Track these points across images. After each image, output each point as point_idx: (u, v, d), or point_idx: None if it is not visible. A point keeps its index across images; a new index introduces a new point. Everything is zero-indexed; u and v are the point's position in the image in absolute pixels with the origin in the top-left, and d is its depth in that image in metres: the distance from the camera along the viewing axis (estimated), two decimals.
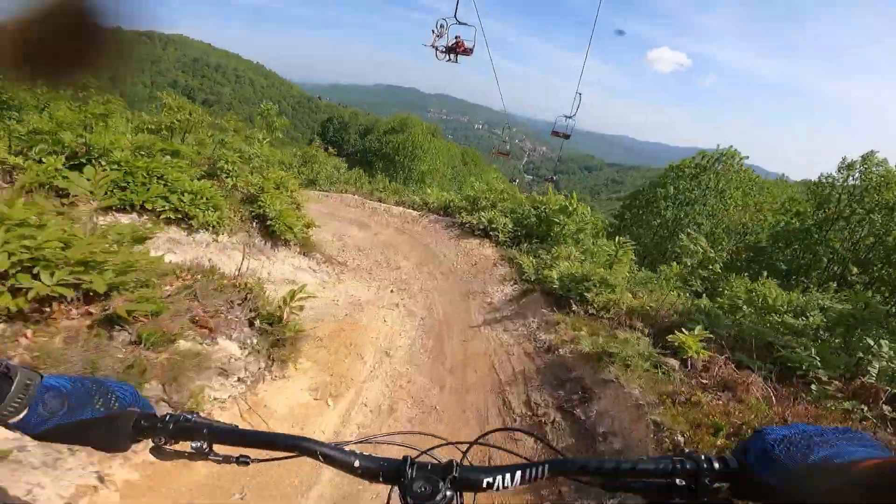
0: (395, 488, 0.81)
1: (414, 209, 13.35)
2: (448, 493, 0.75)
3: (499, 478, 0.76)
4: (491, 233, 11.17)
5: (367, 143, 59.66)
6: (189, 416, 0.85)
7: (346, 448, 0.84)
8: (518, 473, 0.77)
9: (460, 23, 12.73)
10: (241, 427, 0.89)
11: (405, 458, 0.80)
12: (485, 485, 0.76)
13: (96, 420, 0.81)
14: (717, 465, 0.71)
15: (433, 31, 12.87)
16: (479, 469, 0.77)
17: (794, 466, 0.62)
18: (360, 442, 0.94)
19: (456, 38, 13.07)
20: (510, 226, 11.32)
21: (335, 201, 13.57)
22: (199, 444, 0.83)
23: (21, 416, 0.76)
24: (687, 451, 0.73)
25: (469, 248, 10.75)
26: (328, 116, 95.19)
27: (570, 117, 15.97)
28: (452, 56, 13.37)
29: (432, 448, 0.94)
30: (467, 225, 11.62)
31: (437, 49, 13.04)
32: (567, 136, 17.20)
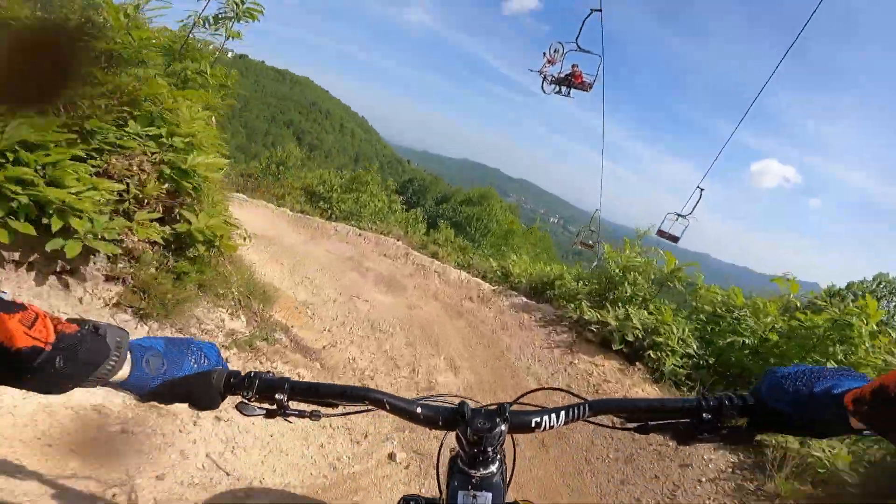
0: (450, 434, 0.90)
1: (485, 280, 8.31)
2: (503, 427, 0.81)
3: (545, 418, 0.84)
4: (646, 352, 5.40)
5: (442, 210, 56.73)
6: (270, 374, 0.88)
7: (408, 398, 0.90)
8: (562, 413, 0.84)
9: (581, 49, 10.78)
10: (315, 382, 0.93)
11: (462, 402, 0.87)
12: (533, 424, 0.83)
13: (193, 377, 0.82)
14: (736, 401, 0.77)
15: (545, 55, 11.10)
16: (527, 412, 0.85)
17: (803, 395, 0.71)
18: (420, 399, 0.96)
19: (573, 67, 11.23)
20: (693, 345, 5.39)
21: (368, 244, 8.86)
22: (281, 397, 0.85)
23: (126, 375, 0.75)
24: (707, 394, 0.80)
25: (597, 378, 5.23)
26: (410, 178, 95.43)
27: (683, 216, 11.36)
28: (564, 88, 11.44)
29: (485, 406, 0.95)
30: (590, 327, 5.89)
31: (546, 77, 11.27)
32: (676, 240, 12.19)
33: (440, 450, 1.14)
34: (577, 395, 0.94)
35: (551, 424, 0.83)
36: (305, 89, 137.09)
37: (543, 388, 1.41)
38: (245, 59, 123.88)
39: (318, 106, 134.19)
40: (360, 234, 9.37)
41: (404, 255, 8.66)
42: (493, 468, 0.85)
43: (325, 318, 5.29)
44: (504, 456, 0.93)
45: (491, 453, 0.82)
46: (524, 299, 7.28)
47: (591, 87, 11.25)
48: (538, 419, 0.83)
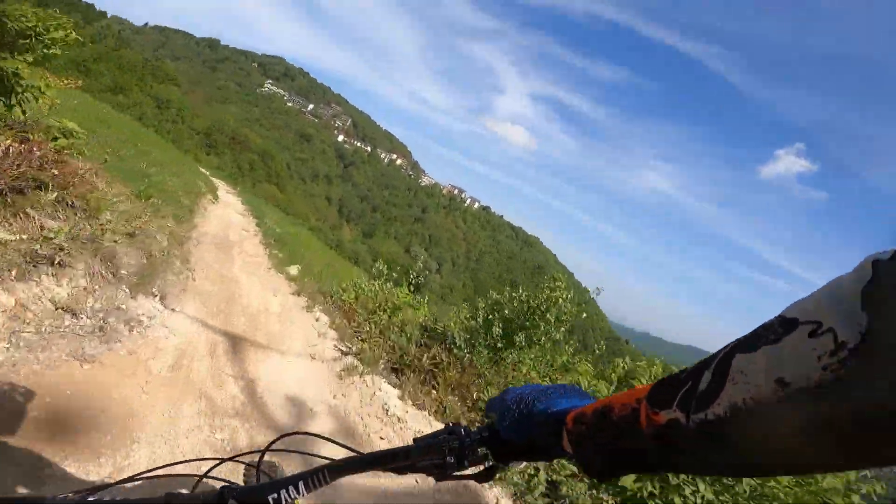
0: None
1: None
2: None
3: (283, 493, 0.67)
4: None
5: None
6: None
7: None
8: (301, 484, 0.69)
9: None
10: None
11: (165, 495, 0.65)
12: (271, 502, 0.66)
13: None
14: (474, 435, 0.74)
15: None
16: (259, 488, 0.68)
17: (523, 416, 0.69)
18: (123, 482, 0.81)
19: None
20: None
21: None
22: None
23: None
24: (452, 425, 0.76)
25: None
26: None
27: None
28: None
29: (208, 472, 0.86)
30: None
31: None
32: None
33: None
34: (333, 440, 0.89)
35: (291, 498, 0.67)
36: (534, 250, 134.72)
37: (294, 434, 1.02)
38: (487, 211, 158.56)
39: (544, 270, 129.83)
40: None
41: None
42: None
43: None
44: None
45: None
46: None
47: None
48: (274, 495, 0.66)
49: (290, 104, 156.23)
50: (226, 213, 12.02)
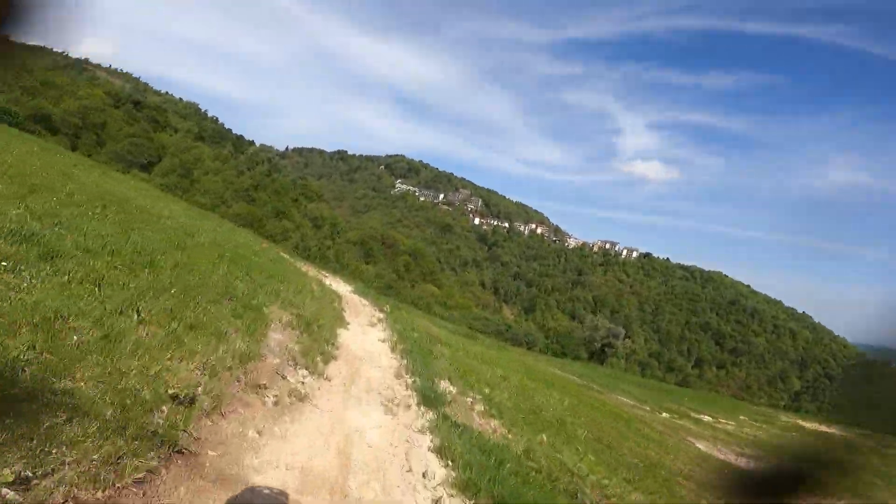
0: None
1: None
2: None
3: None
4: None
5: None
6: None
7: None
8: None
9: None
10: None
11: None
12: None
13: None
14: None
15: None
16: None
17: None
18: None
19: None
20: None
21: None
22: None
23: None
24: None
25: None
26: None
27: None
28: None
29: None
30: None
31: None
32: None
33: None
34: None
35: None
36: (720, 285, 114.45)
37: None
38: (649, 258, 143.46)
39: (740, 304, 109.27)
40: None
41: None
42: None
43: None
44: None
45: None
46: None
47: None
48: None
49: (422, 198, 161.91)
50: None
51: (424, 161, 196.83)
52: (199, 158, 68.08)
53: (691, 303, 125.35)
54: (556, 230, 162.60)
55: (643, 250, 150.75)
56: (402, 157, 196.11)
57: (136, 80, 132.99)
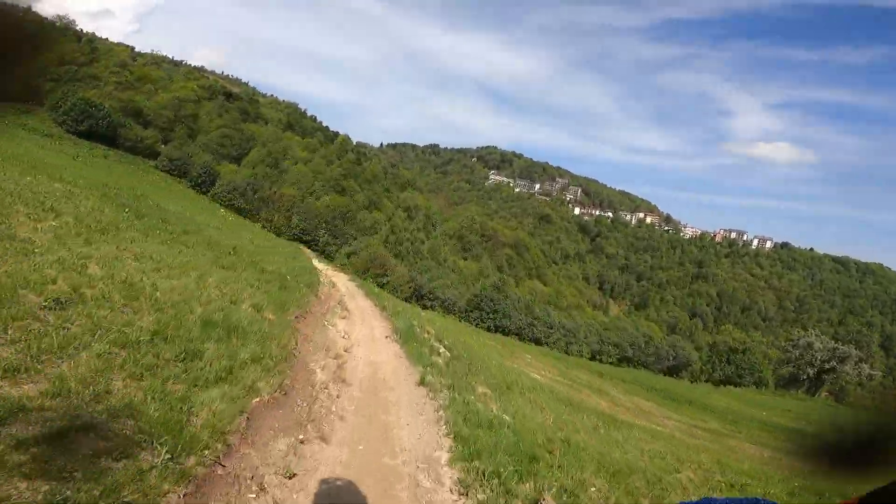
0: None
1: None
2: None
3: None
4: None
5: None
6: None
7: None
8: None
9: None
10: None
11: None
12: None
13: None
14: None
15: None
16: None
17: None
18: None
19: None
20: None
21: None
22: None
23: None
24: None
25: None
26: None
27: None
28: None
29: None
30: None
31: None
32: None
33: None
34: None
35: None
36: (884, 279, 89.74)
37: None
38: (788, 248, 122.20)
39: None
40: None
41: None
42: None
43: None
44: None
45: None
46: None
47: None
48: None
49: (517, 189, 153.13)
50: None
51: (517, 151, 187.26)
52: (289, 148, 65.21)
53: (847, 299, 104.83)
54: (668, 220, 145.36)
55: (777, 239, 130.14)
56: (495, 148, 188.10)
57: (245, 84, 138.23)
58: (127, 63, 64.63)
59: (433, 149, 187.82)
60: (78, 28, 71.64)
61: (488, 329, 50.96)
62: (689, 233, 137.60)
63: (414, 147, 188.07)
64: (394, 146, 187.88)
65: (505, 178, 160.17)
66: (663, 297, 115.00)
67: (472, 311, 52.80)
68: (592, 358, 59.79)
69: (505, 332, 53.02)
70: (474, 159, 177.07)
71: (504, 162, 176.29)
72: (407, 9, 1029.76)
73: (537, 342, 55.38)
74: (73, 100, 48.74)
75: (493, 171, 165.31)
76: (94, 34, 69.85)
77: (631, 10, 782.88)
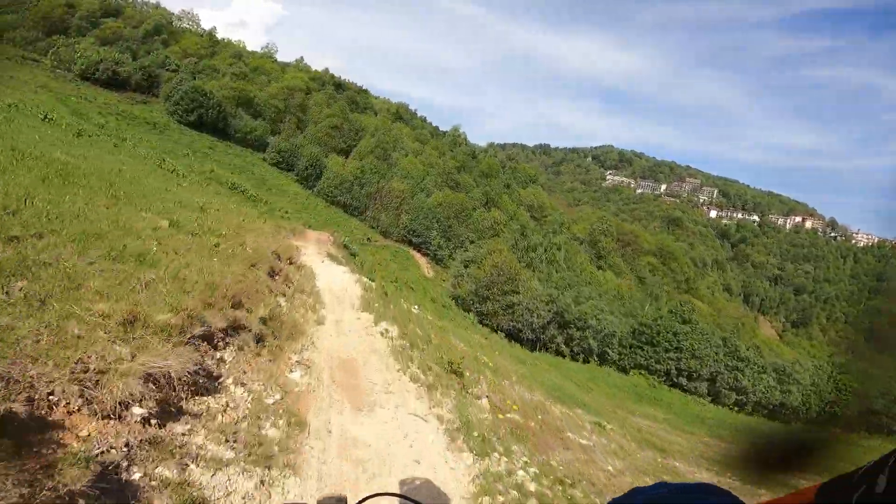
0: None
1: None
2: None
3: None
4: None
5: None
6: None
7: None
8: None
9: None
10: None
11: None
12: None
13: None
14: None
15: None
16: None
17: None
18: None
19: None
20: None
21: None
22: None
23: None
24: None
25: None
26: None
27: None
28: None
29: None
30: None
31: None
32: None
33: None
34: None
35: None
36: None
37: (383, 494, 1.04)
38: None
39: None
40: None
41: None
42: None
43: None
44: None
45: None
46: None
47: None
48: None
49: (639, 190, 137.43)
50: None
51: (637, 151, 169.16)
52: (399, 138, 59.07)
53: None
54: (834, 225, 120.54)
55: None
56: (611, 147, 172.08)
57: (360, 88, 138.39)
58: (242, 54, 63.12)
59: (544, 148, 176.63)
60: (201, 24, 71.92)
61: (667, 376, 38.38)
62: (862, 241, 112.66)
63: (524, 147, 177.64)
64: (502, 146, 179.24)
65: (624, 179, 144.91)
66: (830, 313, 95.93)
67: (640, 348, 39.17)
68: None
69: (690, 376, 38.90)
70: (589, 159, 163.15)
71: (623, 162, 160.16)
72: (511, 11, 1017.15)
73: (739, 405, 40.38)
74: (184, 88, 46.44)
75: (610, 172, 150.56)
76: (214, 27, 69.75)
77: (758, 2, 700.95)
